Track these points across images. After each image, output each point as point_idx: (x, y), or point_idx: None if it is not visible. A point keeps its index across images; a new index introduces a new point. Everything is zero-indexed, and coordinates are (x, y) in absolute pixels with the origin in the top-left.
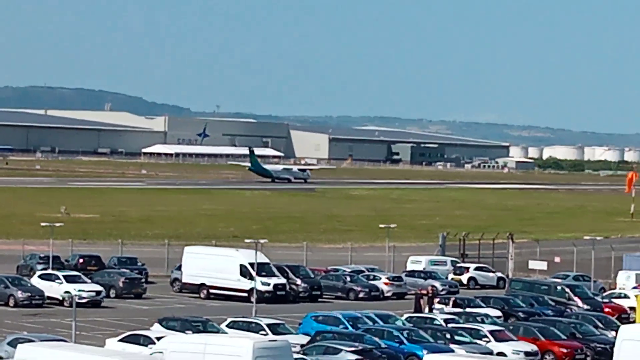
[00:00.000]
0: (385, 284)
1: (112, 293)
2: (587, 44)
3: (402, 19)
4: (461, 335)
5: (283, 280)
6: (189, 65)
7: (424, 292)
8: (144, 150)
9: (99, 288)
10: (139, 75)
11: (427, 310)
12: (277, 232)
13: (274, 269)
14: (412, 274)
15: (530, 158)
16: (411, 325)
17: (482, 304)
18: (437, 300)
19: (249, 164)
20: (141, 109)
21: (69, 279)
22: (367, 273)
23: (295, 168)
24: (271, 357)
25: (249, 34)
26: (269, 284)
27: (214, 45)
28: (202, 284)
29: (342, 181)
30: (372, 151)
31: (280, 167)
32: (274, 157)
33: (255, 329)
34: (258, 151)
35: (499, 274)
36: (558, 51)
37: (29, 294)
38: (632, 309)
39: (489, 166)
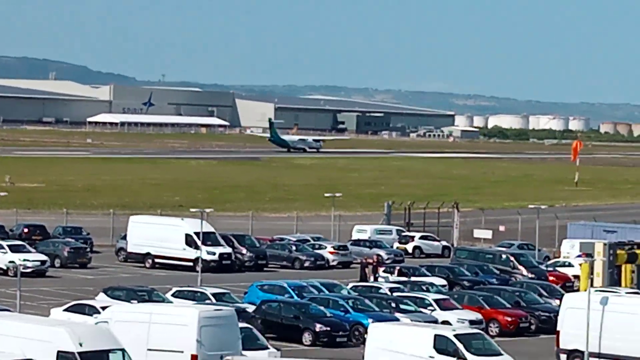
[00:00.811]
0: (331, 253)
1: (57, 263)
2: (531, 13)
3: None
4: (406, 304)
5: (228, 250)
6: (134, 34)
7: (369, 260)
8: (89, 119)
9: (43, 257)
10: (84, 44)
11: (372, 279)
12: (223, 201)
13: (220, 238)
14: (357, 243)
15: (475, 127)
16: (356, 294)
17: (427, 273)
18: (382, 269)
19: (266, 135)
20: (86, 78)
21: (14, 249)
22: (312, 242)
23: (310, 138)
24: (217, 326)
25: (194, 2)
26: (214, 253)
27: (159, 13)
28: (148, 254)
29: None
30: (317, 120)
31: (296, 137)
32: (220, 126)
33: (201, 298)
34: (203, 120)
35: (444, 243)
36: (503, 20)
37: None
38: (576, 277)
39: (434, 135)
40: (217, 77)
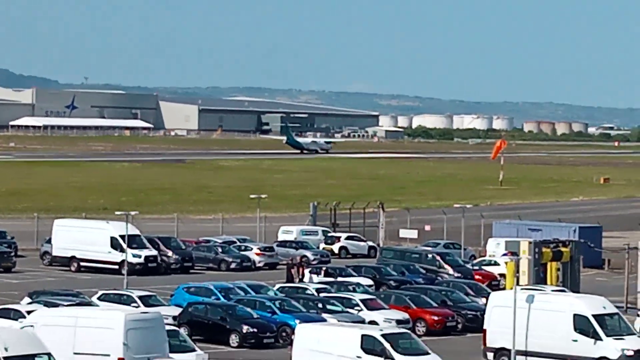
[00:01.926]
0: (257, 254)
1: None
2: (453, 12)
3: None
4: (333, 304)
5: (154, 252)
6: (57, 37)
7: (295, 261)
8: (11, 123)
9: None
10: (5, 47)
11: (297, 280)
12: (148, 204)
13: (145, 241)
14: (283, 244)
15: (399, 127)
16: (283, 295)
17: (354, 273)
18: (308, 269)
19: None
20: (8, 81)
21: None
22: (238, 244)
23: (321, 140)
24: (143, 329)
25: (116, 4)
26: (140, 256)
27: (81, 15)
28: (73, 257)
29: (212, 152)
30: (242, 122)
31: (309, 140)
32: (143, 128)
33: (127, 301)
34: (127, 123)
35: (370, 243)
36: (425, 20)
37: None
38: (502, 275)
39: (359, 135)
40: (140, 80)
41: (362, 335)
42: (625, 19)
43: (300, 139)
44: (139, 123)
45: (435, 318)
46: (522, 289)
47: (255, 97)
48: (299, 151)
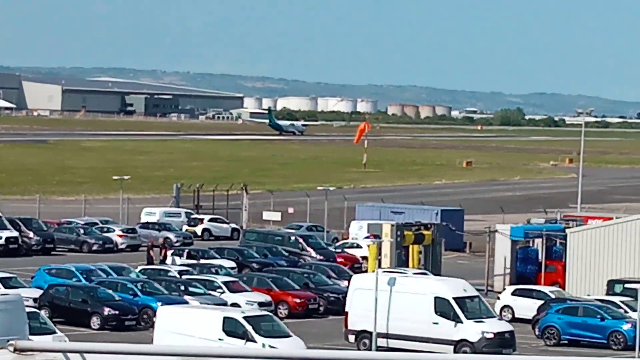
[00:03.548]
0: (119, 236)
1: None
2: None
3: None
4: (195, 286)
5: (15, 233)
6: None
7: (156, 243)
8: None
9: None
10: None
11: (158, 261)
12: (10, 184)
13: (6, 222)
14: (146, 225)
15: (264, 109)
16: (145, 277)
17: (217, 255)
18: (171, 251)
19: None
20: None
21: None
22: (100, 225)
23: (299, 123)
24: (2, 310)
25: None
26: (0, 237)
27: None
28: None
29: (75, 132)
30: (105, 102)
31: (287, 122)
32: (6, 108)
33: None
34: None
35: (233, 225)
36: (288, 1)
37: None
38: (365, 258)
39: (223, 117)
40: (2, 59)
41: (224, 318)
42: (487, 4)
43: (280, 122)
44: (1, 103)
45: (298, 300)
46: (383, 271)
47: (119, 77)
48: (278, 132)
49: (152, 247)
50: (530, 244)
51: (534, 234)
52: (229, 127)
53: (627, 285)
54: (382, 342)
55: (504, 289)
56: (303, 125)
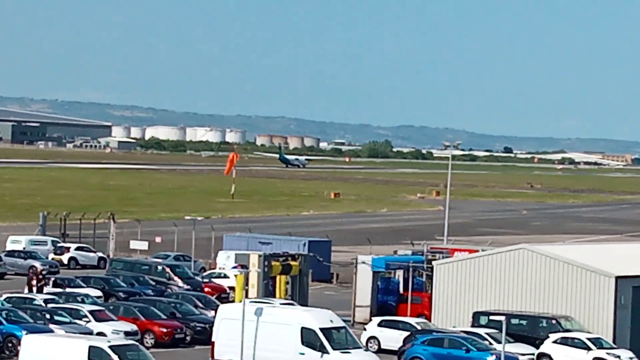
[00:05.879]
0: None
1: None
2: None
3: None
4: (61, 315)
5: None
6: None
7: (38, 272)
8: None
9: None
10: None
11: (35, 290)
12: None
13: None
14: (12, 253)
15: (132, 138)
16: (10, 305)
17: (83, 284)
18: (52, 280)
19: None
20: None
21: None
22: None
23: (302, 158)
24: None
25: None
26: None
27: None
28: None
29: None
30: None
31: (293, 157)
32: None
33: None
34: None
35: (100, 254)
36: (156, 31)
37: None
38: (232, 288)
39: (91, 146)
40: None
41: (90, 347)
42: (354, 37)
43: (288, 157)
44: None
45: (164, 330)
46: (250, 301)
47: None
48: (285, 165)
49: (33, 276)
50: (392, 275)
51: (395, 265)
52: (97, 156)
53: (492, 317)
54: None
55: (370, 320)
56: (307, 159)
